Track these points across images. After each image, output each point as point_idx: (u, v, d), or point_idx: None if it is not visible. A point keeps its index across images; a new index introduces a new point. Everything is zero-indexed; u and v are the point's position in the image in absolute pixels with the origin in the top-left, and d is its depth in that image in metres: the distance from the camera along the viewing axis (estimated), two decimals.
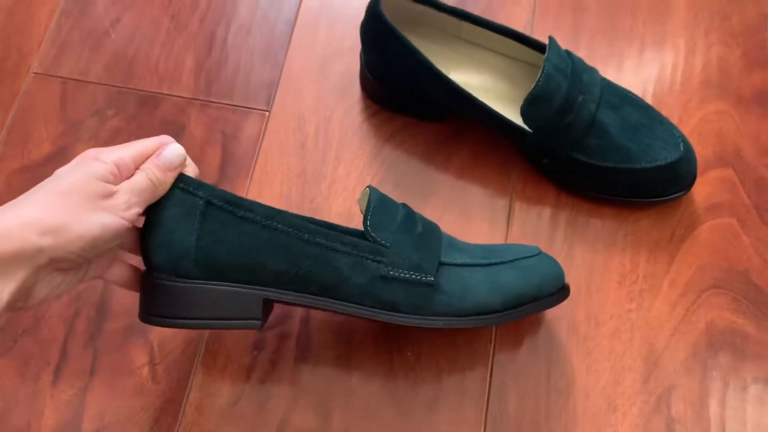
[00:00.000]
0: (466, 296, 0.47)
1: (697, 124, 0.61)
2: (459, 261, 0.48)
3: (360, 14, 0.57)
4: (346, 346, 0.53)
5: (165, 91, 0.62)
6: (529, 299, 0.49)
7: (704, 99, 0.62)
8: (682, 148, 0.55)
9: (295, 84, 0.62)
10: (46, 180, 0.40)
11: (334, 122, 0.61)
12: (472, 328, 0.53)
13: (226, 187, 0.57)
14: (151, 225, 0.43)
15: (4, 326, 0.53)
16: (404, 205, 0.49)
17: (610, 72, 0.63)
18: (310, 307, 0.47)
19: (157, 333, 0.53)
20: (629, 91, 0.57)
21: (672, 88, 0.62)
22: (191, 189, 0.43)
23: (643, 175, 0.54)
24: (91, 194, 0.39)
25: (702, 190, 0.58)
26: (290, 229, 0.44)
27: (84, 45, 0.64)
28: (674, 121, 0.60)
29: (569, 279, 0.55)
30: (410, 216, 0.48)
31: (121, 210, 0.40)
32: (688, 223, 0.57)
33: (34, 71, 0.62)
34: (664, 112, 0.60)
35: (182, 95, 0.62)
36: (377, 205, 0.47)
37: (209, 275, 0.44)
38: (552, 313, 0.54)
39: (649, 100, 0.62)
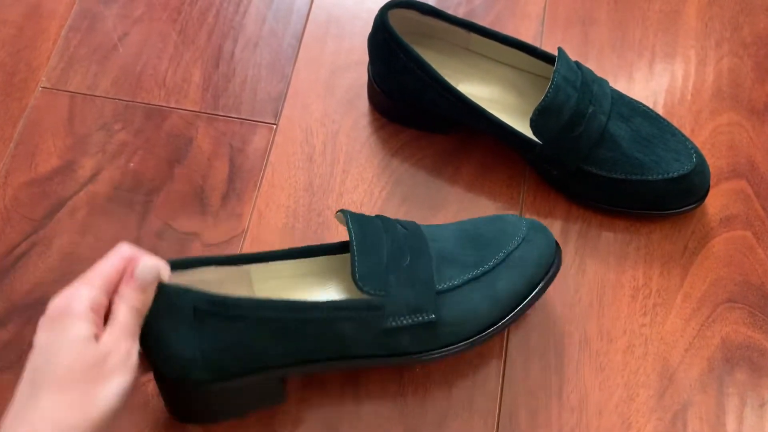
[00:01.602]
0: (468, 320, 0.47)
1: (709, 135, 0.60)
2: (454, 281, 0.46)
3: (368, 27, 0.57)
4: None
5: (172, 105, 0.62)
6: (527, 293, 0.49)
7: (716, 110, 0.61)
8: (694, 159, 0.54)
9: (303, 97, 0.62)
10: (34, 369, 0.37)
11: (341, 135, 0.60)
12: (483, 344, 0.52)
13: (233, 201, 0.57)
14: (148, 341, 0.41)
15: (9, 340, 0.52)
16: (380, 218, 0.48)
17: (620, 83, 0.62)
18: (326, 372, 0.49)
19: None
20: (640, 103, 0.57)
21: (683, 99, 0.62)
22: (175, 299, 0.41)
23: (656, 187, 0.54)
24: (91, 368, 0.36)
25: (715, 202, 0.57)
26: (283, 315, 0.43)
27: (92, 59, 0.64)
28: (686, 132, 0.59)
29: (581, 294, 0.54)
30: (394, 240, 0.46)
31: (124, 364, 0.38)
32: (702, 236, 0.56)
33: (42, 85, 0.62)
34: (676, 124, 0.59)
35: (190, 109, 0.61)
36: (360, 241, 0.44)
37: (223, 377, 0.43)
38: (564, 328, 0.53)
39: (660, 111, 0.61)
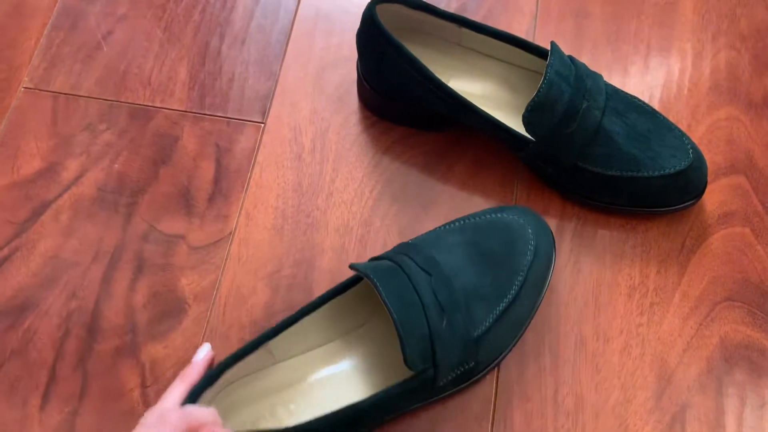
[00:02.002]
0: (497, 350, 0.49)
1: (706, 130, 0.59)
2: (486, 323, 0.46)
3: (357, 23, 0.56)
4: None
5: (158, 104, 0.60)
6: (539, 301, 0.50)
7: (713, 104, 0.60)
8: (691, 155, 0.52)
9: (291, 95, 0.60)
10: None
11: (330, 134, 0.59)
12: None
13: (220, 202, 0.56)
14: None
15: None
16: (403, 270, 0.45)
17: (615, 78, 0.61)
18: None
19: (149, 354, 0.51)
20: (635, 97, 0.55)
21: (680, 93, 0.60)
22: None
23: (652, 184, 0.52)
24: None
25: (713, 199, 0.56)
26: (342, 416, 0.43)
27: (75, 59, 0.62)
28: (683, 127, 0.58)
29: (576, 293, 0.53)
30: (425, 298, 0.44)
31: None
32: (700, 233, 0.55)
33: (25, 86, 0.61)
34: (672, 119, 0.58)
35: (175, 108, 0.60)
36: (402, 319, 0.43)
37: None
38: (559, 329, 0.52)
39: (655, 106, 0.60)
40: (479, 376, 0.49)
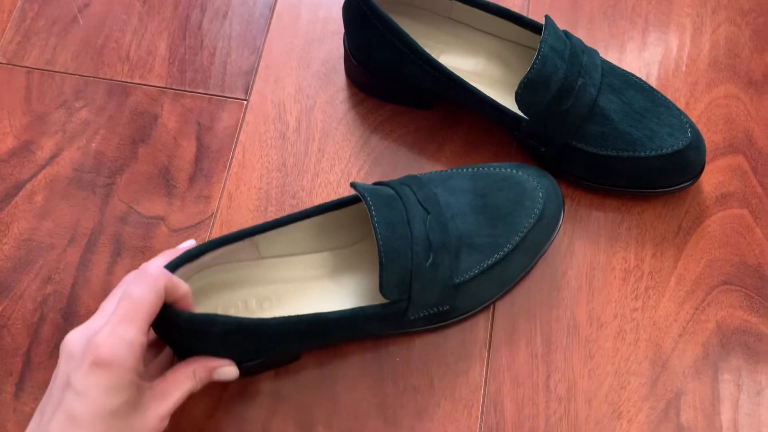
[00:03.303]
0: (475, 301, 0.48)
1: (705, 108, 0.57)
2: (472, 272, 0.46)
3: None
4: (330, 352, 0.49)
5: (136, 80, 0.58)
6: (530, 266, 0.50)
7: (712, 82, 0.58)
8: (689, 134, 0.51)
9: (275, 71, 0.58)
10: (71, 415, 0.35)
11: (316, 111, 0.57)
12: (466, 331, 0.49)
13: (201, 183, 0.54)
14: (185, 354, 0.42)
15: None
16: (401, 196, 0.45)
17: (611, 54, 0.59)
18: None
19: None
20: (632, 74, 0.53)
21: (678, 70, 0.59)
22: (207, 328, 0.40)
23: (649, 164, 0.51)
24: (117, 427, 0.36)
25: (711, 179, 0.54)
26: (308, 326, 0.43)
27: (50, 32, 0.60)
28: (680, 105, 0.56)
29: (569, 276, 0.51)
30: (417, 234, 0.43)
31: (154, 429, 0.38)
32: (697, 215, 0.53)
33: None
34: (670, 97, 0.56)
35: (155, 84, 0.58)
36: (387, 247, 0.42)
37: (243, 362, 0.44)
38: (551, 314, 0.50)
39: (653, 83, 0.58)
40: (452, 320, 0.48)
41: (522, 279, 0.50)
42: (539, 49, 0.48)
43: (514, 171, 0.49)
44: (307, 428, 0.47)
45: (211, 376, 0.41)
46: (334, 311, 0.43)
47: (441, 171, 0.50)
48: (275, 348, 0.44)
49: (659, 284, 0.51)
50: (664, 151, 0.50)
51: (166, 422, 0.39)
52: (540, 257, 0.50)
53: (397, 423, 0.47)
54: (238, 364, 0.43)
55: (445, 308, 0.46)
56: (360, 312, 0.43)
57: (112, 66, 0.58)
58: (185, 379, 0.40)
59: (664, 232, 0.53)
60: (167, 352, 0.44)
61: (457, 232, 0.46)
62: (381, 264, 0.42)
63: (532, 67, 0.48)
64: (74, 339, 0.37)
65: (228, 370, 0.42)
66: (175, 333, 0.40)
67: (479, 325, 0.50)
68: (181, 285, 0.39)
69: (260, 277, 0.48)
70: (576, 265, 0.52)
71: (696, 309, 0.50)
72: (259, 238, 0.46)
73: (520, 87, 0.49)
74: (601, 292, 0.51)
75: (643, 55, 0.59)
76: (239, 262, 0.47)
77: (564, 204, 0.50)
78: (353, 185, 0.45)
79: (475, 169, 0.49)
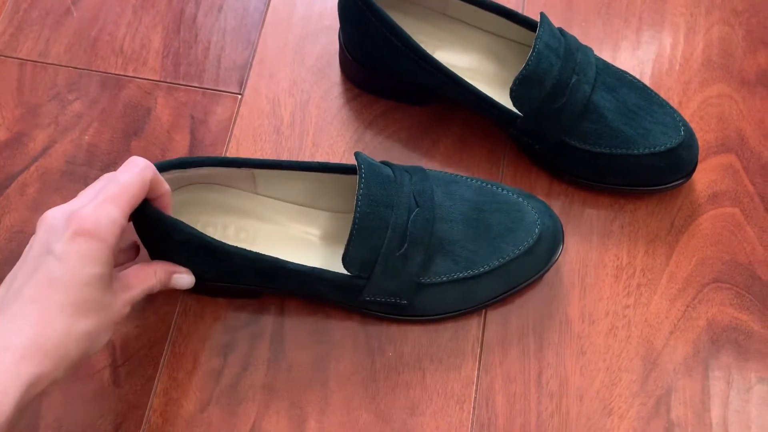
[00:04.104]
0: (435, 307, 0.48)
1: (697, 107, 0.57)
2: (440, 278, 0.46)
3: None
4: (322, 347, 0.49)
5: (130, 73, 0.58)
6: (506, 292, 0.49)
7: (705, 81, 0.58)
8: (682, 132, 0.51)
9: (270, 65, 0.58)
10: (50, 278, 0.36)
11: (311, 106, 0.57)
12: (459, 326, 0.50)
13: None
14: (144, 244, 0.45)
15: None
16: (396, 181, 0.45)
17: (605, 52, 0.59)
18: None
19: (120, 333, 0.49)
20: (626, 72, 0.54)
21: (671, 69, 0.59)
22: (170, 230, 0.42)
23: (641, 162, 0.51)
24: (94, 302, 0.38)
25: (703, 178, 0.55)
26: (268, 268, 0.44)
27: (44, 24, 0.59)
28: (673, 104, 0.57)
29: (562, 273, 0.52)
30: (398, 222, 0.44)
31: (115, 322, 0.40)
32: (689, 213, 0.54)
33: None
34: (663, 95, 0.57)
35: (148, 77, 0.57)
36: (362, 223, 0.43)
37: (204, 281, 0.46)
38: (543, 310, 0.50)
39: (646, 82, 0.58)
40: (408, 318, 0.49)
41: (495, 304, 0.50)
42: (534, 46, 0.49)
43: (521, 199, 0.49)
44: (299, 423, 0.47)
45: (170, 279, 0.44)
46: (293, 262, 0.44)
47: (450, 173, 0.50)
48: (231, 275, 0.45)
49: (651, 281, 0.51)
50: (657, 149, 0.50)
51: (128, 308, 0.41)
52: (519, 289, 0.49)
53: (389, 418, 0.47)
54: (199, 280, 0.45)
55: (402, 302, 0.46)
56: (317, 272, 0.44)
57: (106, 59, 0.58)
58: (147, 276, 0.42)
59: (656, 230, 0.53)
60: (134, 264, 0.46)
61: (441, 235, 0.46)
62: (351, 235, 0.43)
63: (527, 64, 0.48)
64: (55, 214, 0.38)
65: (184, 278, 0.44)
66: (145, 227, 0.43)
67: (472, 320, 0.50)
68: (163, 183, 0.41)
69: (249, 210, 0.49)
70: (568, 262, 0.52)
71: (687, 306, 0.51)
72: (258, 173, 0.48)
73: (514, 83, 0.49)
74: (594, 289, 0.51)
75: (637, 54, 0.60)
76: (235, 189, 0.49)
77: (561, 249, 0.49)
78: (356, 155, 0.46)
79: (483, 184, 0.49)
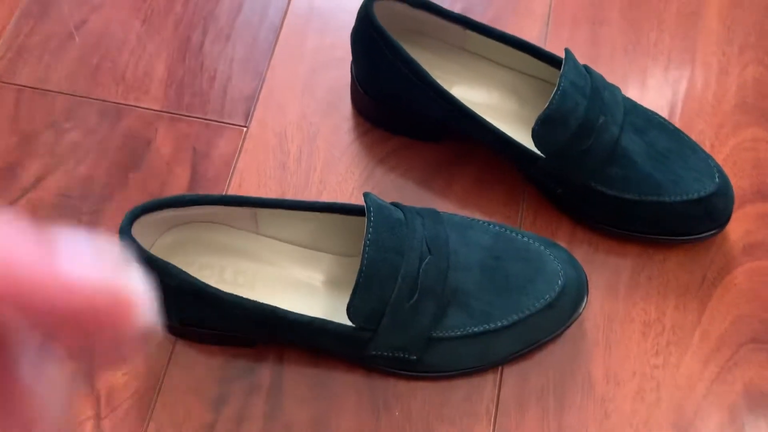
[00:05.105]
0: (447, 363, 0.44)
1: (731, 152, 0.54)
2: (454, 333, 0.42)
3: (353, 21, 0.50)
4: (323, 402, 0.45)
5: (131, 102, 0.55)
6: (522, 350, 0.45)
7: (739, 124, 0.55)
8: (717, 179, 0.47)
9: (278, 97, 0.55)
10: None
11: (319, 141, 0.54)
12: (473, 384, 0.46)
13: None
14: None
15: None
16: (407, 228, 0.42)
17: (631, 91, 0.56)
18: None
19: (106, 381, 0.46)
20: (656, 113, 0.50)
21: (702, 111, 0.55)
22: (162, 276, 0.40)
23: (673, 210, 0.47)
24: None
25: (738, 228, 0.51)
26: (265, 317, 0.41)
27: (44, 49, 0.57)
28: (705, 148, 0.53)
29: (585, 328, 0.48)
30: (409, 271, 0.40)
31: None
32: (723, 266, 0.50)
33: None
34: (694, 138, 0.53)
35: (150, 107, 0.55)
36: (369, 271, 0.40)
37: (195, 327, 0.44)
38: (564, 368, 0.46)
39: (676, 124, 0.55)
40: (419, 374, 0.45)
41: (512, 361, 0.46)
42: (559, 84, 0.45)
43: (542, 247, 0.45)
44: None
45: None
46: (294, 312, 0.41)
47: (465, 217, 0.46)
48: (227, 323, 0.42)
49: (682, 340, 0.47)
50: (690, 196, 0.47)
51: None
52: (537, 346, 0.45)
53: None
54: (188, 325, 0.43)
55: (411, 357, 0.43)
56: (319, 324, 0.41)
57: (107, 87, 0.56)
58: None
59: (687, 283, 0.49)
60: None
61: (455, 285, 0.43)
62: (357, 284, 0.40)
63: (551, 102, 0.45)
64: None
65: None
66: None
67: (487, 378, 0.46)
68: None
69: (249, 251, 0.46)
70: (592, 317, 0.48)
71: (721, 368, 0.47)
72: (260, 212, 0.45)
73: (537, 123, 0.45)
74: (619, 347, 0.47)
75: (665, 94, 0.56)
76: (235, 229, 0.46)
77: (585, 302, 0.45)
78: (365, 196, 0.43)
79: (501, 229, 0.46)
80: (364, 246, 0.40)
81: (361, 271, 0.40)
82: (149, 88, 0.55)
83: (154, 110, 0.55)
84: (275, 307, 0.40)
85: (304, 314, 0.41)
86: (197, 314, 0.41)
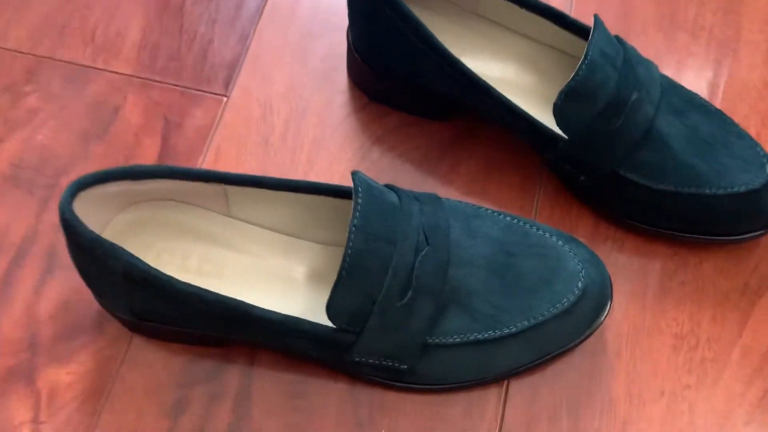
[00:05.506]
0: (442, 375, 0.38)
1: None
2: (453, 339, 0.36)
3: None
4: (298, 415, 0.39)
5: (100, 65, 0.49)
6: (533, 361, 0.39)
7: None
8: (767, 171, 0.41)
9: (264, 65, 0.49)
10: None
11: (309, 115, 0.47)
12: (473, 400, 0.39)
13: None
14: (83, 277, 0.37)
15: None
16: (402, 213, 0.35)
17: (666, 70, 0.50)
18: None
19: (48, 380, 0.39)
20: (697, 95, 0.44)
21: (746, 94, 0.49)
22: (106, 259, 0.34)
23: (714, 205, 0.41)
24: None
25: None
26: (227, 313, 0.35)
27: (6, 3, 0.51)
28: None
29: (607, 339, 0.41)
30: (402, 264, 0.34)
31: None
32: (767, 272, 0.43)
33: None
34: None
35: (120, 71, 0.49)
36: (356, 261, 0.34)
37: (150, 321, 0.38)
38: (581, 385, 0.40)
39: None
40: (411, 385, 0.38)
41: (520, 374, 0.39)
42: (587, 52, 0.39)
43: (561, 242, 0.39)
44: None
45: None
46: (263, 308, 0.35)
47: (472, 205, 0.40)
48: (185, 319, 0.36)
49: (719, 356, 0.41)
50: (735, 189, 0.40)
51: None
52: (550, 358, 0.39)
53: None
54: (143, 319, 0.37)
55: (402, 366, 0.37)
56: (292, 323, 0.35)
57: (73, 47, 0.49)
58: None
59: (726, 291, 0.43)
60: None
61: (456, 283, 0.36)
62: (339, 277, 0.34)
63: (576, 73, 0.39)
64: None
65: None
66: (78, 253, 0.35)
67: (490, 393, 0.39)
68: None
69: (218, 236, 0.40)
70: (615, 326, 0.41)
71: (766, 392, 0.40)
72: (232, 191, 0.38)
73: (560, 97, 0.39)
74: (646, 362, 0.41)
75: (705, 75, 0.50)
76: (204, 210, 0.40)
77: (608, 309, 0.39)
78: (354, 174, 0.36)
79: (514, 220, 0.39)
80: (349, 232, 0.34)
81: (344, 262, 0.33)
82: (121, 50, 0.49)
83: (125, 74, 0.49)
84: (240, 302, 0.34)
85: (275, 311, 0.35)
86: (150, 306, 0.35)
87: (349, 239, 0.34)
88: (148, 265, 0.33)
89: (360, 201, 0.34)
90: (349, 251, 0.33)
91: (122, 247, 0.33)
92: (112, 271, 0.34)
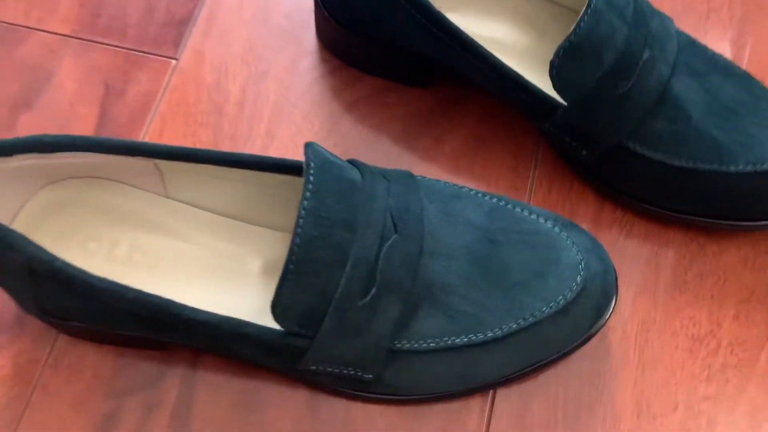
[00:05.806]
0: (413, 386, 0.32)
1: None
2: (426, 344, 0.31)
3: None
4: (248, 429, 0.33)
5: (32, 24, 0.43)
6: (523, 369, 0.33)
7: None
8: None
9: (220, 23, 0.43)
10: None
11: (270, 80, 0.41)
12: (452, 412, 0.34)
13: None
14: None
15: None
16: (367, 194, 0.30)
17: (686, 28, 0.43)
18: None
19: None
20: (720, 55, 0.38)
21: None
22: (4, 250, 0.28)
23: (739, 184, 0.35)
24: None
25: None
26: (155, 315, 0.29)
27: None
28: None
29: (611, 341, 0.35)
30: (363, 256, 0.29)
31: None
32: None
33: None
34: None
35: (56, 31, 0.43)
36: (304, 251, 0.28)
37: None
38: (580, 394, 0.34)
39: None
40: (380, 397, 0.33)
41: (509, 382, 0.34)
42: (590, 1, 0.33)
43: (557, 229, 0.33)
44: None
45: None
46: (196, 309, 0.29)
47: (450, 184, 0.34)
48: (103, 319, 0.31)
49: (744, 363, 0.35)
50: (764, 166, 0.34)
51: None
52: (545, 364, 0.33)
53: None
54: (57, 317, 0.31)
55: (365, 376, 0.31)
56: (234, 326, 0.29)
57: (4, 4, 0.44)
58: None
59: (752, 286, 0.37)
60: None
61: (430, 276, 0.30)
62: (285, 271, 0.28)
63: (577, 26, 0.33)
64: None
65: None
66: None
67: (472, 404, 0.34)
68: None
69: (153, 220, 0.35)
70: (621, 325, 0.36)
71: None
72: (167, 167, 0.33)
73: (557, 55, 0.33)
74: (656, 368, 0.35)
75: (728, 34, 0.43)
76: (138, 190, 0.34)
77: (612, 307, 0.33)
78: (307, 146, 0.31)
79: (501, 202, 0.33)
80: (298, 216, 0.28)
81: (291, 252, 0.28)
82: (58, 6, 0.43)
83: (61, 34, 0.43)
84: (167, 300, 0.28)
85: (211, 312, 0.29)
86: (59, 304, 0.30)
87: (297, 224, 0.28)
88: (53, 256, 0.27)
89: (312, 179, 0.29)
90: (297, 239, 0.28)
91: (23, 235, 0.27)
92: (13, 263, 0.28)
